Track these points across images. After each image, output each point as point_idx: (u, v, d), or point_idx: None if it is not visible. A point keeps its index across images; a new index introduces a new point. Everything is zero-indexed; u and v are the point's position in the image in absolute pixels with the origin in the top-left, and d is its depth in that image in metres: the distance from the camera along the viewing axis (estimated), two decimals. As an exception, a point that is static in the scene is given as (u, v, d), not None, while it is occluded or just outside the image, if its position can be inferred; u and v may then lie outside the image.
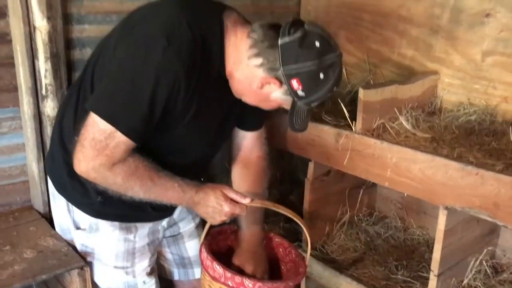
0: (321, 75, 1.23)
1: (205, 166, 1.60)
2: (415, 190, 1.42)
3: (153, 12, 1.28)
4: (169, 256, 1.71)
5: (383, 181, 1.51)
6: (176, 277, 1.74)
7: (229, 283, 1.34)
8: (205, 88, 1.28)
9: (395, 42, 1.93)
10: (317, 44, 1.22)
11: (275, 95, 1.30)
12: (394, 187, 1.49)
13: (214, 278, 1.37)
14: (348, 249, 1.88)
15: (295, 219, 1.42)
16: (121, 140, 1.19)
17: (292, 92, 1.26)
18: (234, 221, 1.51)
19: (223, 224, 1.46)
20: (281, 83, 1.26)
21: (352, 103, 1.72)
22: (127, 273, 1.49)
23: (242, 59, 1.28)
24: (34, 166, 1.64)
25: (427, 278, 1.48)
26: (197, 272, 1.70)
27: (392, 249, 1.90)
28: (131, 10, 1.67)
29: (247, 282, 1.32)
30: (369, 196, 2.08)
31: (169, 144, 1.35)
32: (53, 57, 1.55)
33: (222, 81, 1.34)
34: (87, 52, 1.69)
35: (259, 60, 1.26)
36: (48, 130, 1.60)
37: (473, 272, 1.54)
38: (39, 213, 1.68)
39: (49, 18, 1.50)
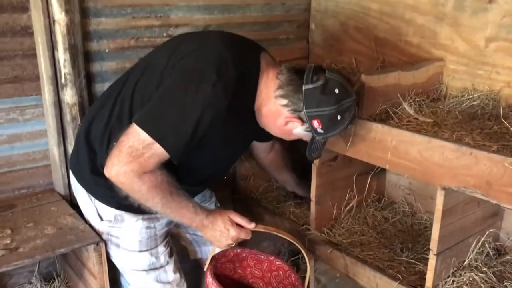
0: (339, 117, 1.42)
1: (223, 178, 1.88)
2: (413, 171, 1.46)
3: (204, 46, 1.42)
4: (187, 236, 1.81)
5: (384, 163, 1.55)
6: (199, 255, 1.85)
7: None
8: (238, 119, 1.46)
9: (402, 31, 1.97)
10: (337, 91, 1.40)
11: (297, 131, 1.49)
12: (394, 169, 1.54)
13: None
14: (355, 233, 1.92)
15: (296, 244, 1.52)
16: (157, 152, 1.31)
17: (312, 129, 1.44)
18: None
19: (222, 251, 1.58)
20: (303, 122, 1.44)
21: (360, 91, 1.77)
22: (151, 254, 1.59)
23: (270, 97, 1.45)
24: (55, 151, 1.75)
25: (431, 260, 1.51)
26: None
27: (399, 233, 1.93)
28: (145, 3, 1.82)
29: None
30: (378, 182, 2.12)
31: (195, 161, 1.48)
32: (71, 48, 1.65)
33: (251, 112, 1.51)
34: (104, 44, 1.80)
35: (284, 101, 1.43)
36: (68, 117, 1.71)
37: (474, 252, 1.57)
38: (60, 194, 1.80)
39: (67, 12, 1.61)
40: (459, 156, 1.33)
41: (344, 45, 2.25)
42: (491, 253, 1.60)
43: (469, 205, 1.51)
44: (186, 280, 1.71)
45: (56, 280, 1.85)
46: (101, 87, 1.82)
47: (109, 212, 1.54)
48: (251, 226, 1.47)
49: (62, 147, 1.74)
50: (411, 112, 1.62)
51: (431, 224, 1.95)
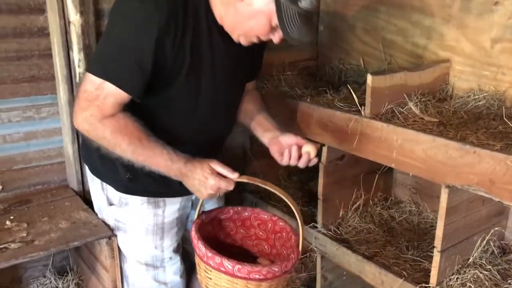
0: None
1: (221, 144, 1.65)
2: (418, 170, 1.49)
3: None
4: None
5: (389, 162, 1.58)
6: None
7: (210, 262, 1.31)
8: (195, 43, 1.33)
9: (408, 32, 2.00)
10: None
11: (257, 3, 1.28)
12: (400, 167, 1.57)
13: (199, 257, 1.37)
14: (362, 231, 1.94)
15: (283, 197, 1.37)
16: (110, 91, 1.28)
17: None
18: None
19: (220, 207, 1.55)
20: None
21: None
22: (156, 247, 1.58)
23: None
24: (69, 148, 1.80)
25: (437, 257, 1.54)
26: None
27: (405, 232, 1.96)
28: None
29: (226, 263, 1.29)
30: (385, 182, 2.14)
31: (176, 111, 1.40)
32: (86, 48, 1.70)
33: (219, 34, 1.37)
34: (117, 44, 1.84)
35: None
36: (82, 115, 1.76)
37: (479, 250, 1.60)
38: (74, 190, 1.86)
39: (82, 13, 1.66)
40: (462, 154, 1.36)
41: (352, 46, 2.28)
42: (495, 252, 1.62)
43: (473, 203, 1.53)
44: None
45: (70, 274, 1.90)
46: (113, 87, 1.87)
47: (116, 195, 1.55)
48: (234, 176, 1.33)
49: (76, 145, 1.79)
50: (417, 112, 1.65)
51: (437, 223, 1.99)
